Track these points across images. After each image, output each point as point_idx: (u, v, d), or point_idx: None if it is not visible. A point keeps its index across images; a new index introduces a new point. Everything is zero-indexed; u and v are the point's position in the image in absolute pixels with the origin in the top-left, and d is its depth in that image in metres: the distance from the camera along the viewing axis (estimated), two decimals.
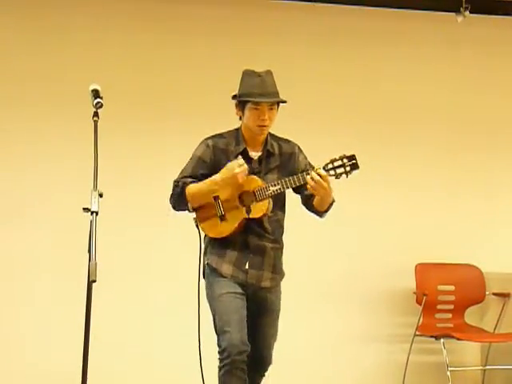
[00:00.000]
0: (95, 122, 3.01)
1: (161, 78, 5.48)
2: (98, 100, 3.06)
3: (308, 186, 3.49)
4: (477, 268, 5.71)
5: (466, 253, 5.70)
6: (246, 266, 3.68)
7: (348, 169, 3.47)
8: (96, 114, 3.03)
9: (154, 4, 5.53)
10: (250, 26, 5.64)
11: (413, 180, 5.76)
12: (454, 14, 5.59)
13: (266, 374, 3.87)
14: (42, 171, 5.31)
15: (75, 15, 5.44)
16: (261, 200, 3.59)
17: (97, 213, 2.80)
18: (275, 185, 3.56)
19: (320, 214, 3.74)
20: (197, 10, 5.57)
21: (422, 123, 5.82)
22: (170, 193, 3.73)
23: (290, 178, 3.55)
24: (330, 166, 3.49)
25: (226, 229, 3.65)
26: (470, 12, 5.53)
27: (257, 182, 3.61)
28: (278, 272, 3.79)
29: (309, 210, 3.76)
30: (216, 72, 5.43)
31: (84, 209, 2.82)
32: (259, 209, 3.60)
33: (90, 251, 2.73)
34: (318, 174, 3.45)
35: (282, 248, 3.81)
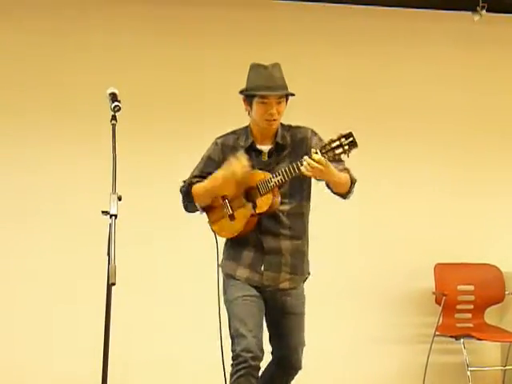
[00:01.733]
0: (113, 126, 3.02)
1: (176, 80, 5.49)
2: (116, 103, 3.07)
3: (305, 172, 3.32)
4: (496, 268, 5.69)
5: (485, 252, 5.69)
6: (262, 268, 3.57)
7: (346, 148, 3.30)
8: (114, 118, 3.04)
9: (167, 6, 5.54)
10: (260, 28, 5.63)
11: (433, 180, 5.74)
12: (470, 12, 5.58)
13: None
14: (60, 174, 5.33)
15: (88, 18, 5.46)
16: (265, 193, 3.48)
17: (116, 216, 2.79)
18: (277, 175, 3.44)
19: (343, 195, 3.57)
20: (209, 11, 5.58)
21: (439, 123, 5.81)
22: (180, 192, 3.71)
23: (290, 166, 3.41)
24: (328, 147, 3.33)
25: (236, 228, 3.57)
26: (487, 11, 5.51)
27: (259, 175, 3.51)
28: (298, 272, 3.63)
29: (332, 193, 3.58)
30: (230, 73, 5.42)
31: (103, 212, 2.81)
32: (264, 202, 3.50)
33: (109, 254, 2.72)
34: (313, 160, 3.29)
35: (304, 244, 3.66)
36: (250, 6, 5.61)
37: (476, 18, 5.54)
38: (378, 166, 5.55)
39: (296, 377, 3.80)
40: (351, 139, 3.30)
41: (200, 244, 5.23)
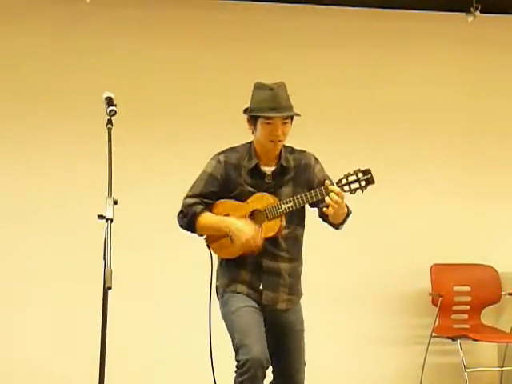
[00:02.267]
0: (109, 130, 3.01)
1: (174, 83, 5.49)
2: (112, 108, 3.06)
3: (325, 209, 3.35)
4: (492, 268, 5.69)
5: (481, 253, 5.69)
6: (261, 287, 3.52)
7: (363, 183, 3.34)
8: (110, 122, 3.03)
9: (165, 10, 5.55)
10: (259, 31, 5.64)
11: (429, 181, 5.75)
12: (464, 13, 5.58)
13: None
14: (56, 178, 5.32)
15: (86, 22, 5.46)
16: (272, 219, 3.44)
17: (111, 220, 2.78)
18: (287, 202, 3.42)
19: (336, 226, 3.59)
20: (206, 15, 5.58)
21: (434, 124, 5.82)
22: (179, 213, 3.59)
23: (303, 195, 3.41)
24: (345, 181, 3.36)
25: (236, 249, 3.49)
26: (481, 12, 5.52)
27: (268, 199, 3.47)
28: (295, 293, 3.61)
29: (325, 222, 3.59)
30: (230, 77, 5.44)
31: (99, 216, 2.81)
32: (270, 228, 3.45)
33: (105, 258, 2.72)
34: (334, 192, 3.30)
35: (299, 265, 3.64)
36: (249, 9, 5.61)
37: (470, 18, 5.55)
38: (375, 168, 5.52)
39: None
40: (369, 176, 3.36)
41: (197, 248, 5.25)
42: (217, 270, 3.65)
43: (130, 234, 4.96)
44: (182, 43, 5.54)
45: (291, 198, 3.43)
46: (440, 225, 5.72)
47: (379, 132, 5.68)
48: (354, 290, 5.56)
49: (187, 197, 3.59)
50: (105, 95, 3.14)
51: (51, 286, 5.24)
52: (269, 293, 3.53)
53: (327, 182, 3.37)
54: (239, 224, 3.46)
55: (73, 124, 5.35)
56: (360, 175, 3.35)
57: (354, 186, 3.34)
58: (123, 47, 5.48)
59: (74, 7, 5.41)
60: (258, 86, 3.52)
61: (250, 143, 3.61)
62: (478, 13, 5.52)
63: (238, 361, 3.37)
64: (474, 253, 5.70)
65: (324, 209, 3.37)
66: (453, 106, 5.87)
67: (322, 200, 3.39)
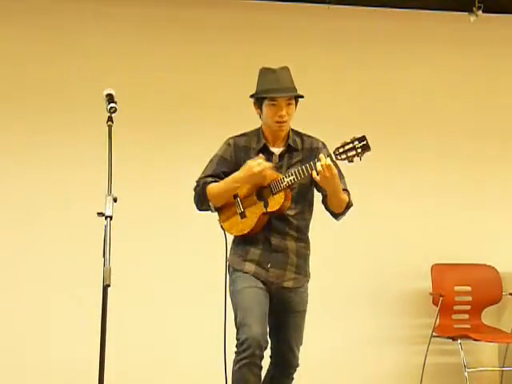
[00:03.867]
0: (109, 127, 3.02)
1: (176, 82, 5.48)
2: (112, 105, 3.06)
3: (313, 174, 3.43)
4: (493, 268, 5.69)
5: (482, 253, 5.69)
6: (268, 265, 3.63)
7: (359, 151, 3.40)
8: (110, 119, 3.03)
9: (168, 8, 5.55)
10: (261, 29, 5.63)
11: (429, 182, 5.74)
12: (466, 13, 5.57)
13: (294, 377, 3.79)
14: (56, 176, 5.32)
15: (86, 20, 5.46)
16: (277, 192, 3.55)
17: (111, 217, 2.78)
18: (289, 175, 3.52)
19: (335, 215, 3.69)
20: (210, 13, 5.58)
21: (437, 125, 5.81)
22: (194, 191, 3.73)
23: (303, 166, 3.50)
24: (341, 149, 3.43)
25: (246, 225, 3.63)
26: (483, 11, 5.51)
27: (272, 175, 3.57)
28: (302, 273, 3.72)
29: (326, 209, 3.70)
30: (232, 76, 5.44)
31: (98, 213, 2.81)
32: (276, 201, 3.56)
33: (104, 256, 2.72)
34: (324, 163, 3.41)
35: (307, 248, 3.76)
36: (252, 8, 5.60)
37: (472, 18, 5.54)
38: (376, 168, 5.54)
39: (295, 378, 3.80)
40: (364, 142, 3.40)
41: (198, 245, 5.26)
42: (231, 248, 3.76)
43: (130, 231, 4.96)
44: (184, 42, 5.54)
45: (292, 171, 3.52)
46: (441, 225, 5.71)
47: (381, 133, 5.65)
48: (354, 289, 5.55)
49: (199, 178, 3.73)
50: (105, 92, 3.14)
51: (50, 283, 5.24)
52: (275, 270, 3.63)
53: (321, 154, 3.46)
54: (242, 169, 3.57)
55: (73, 122, 5.34)
56: (356, 142, 3.42)
57: (350, 153, 3.42)
58: (124, 46, 5.48)
59: (74, 6, 5.41)
60: (263, 70, 3.68)
61: (259, 127, 3.75)
62: (480, 12, 5.51)
63: (237, 339, 3.49)
64: (475, 253, 5.69)
65: (314, 174, 3.44)
66: (455, 107, 5.85)
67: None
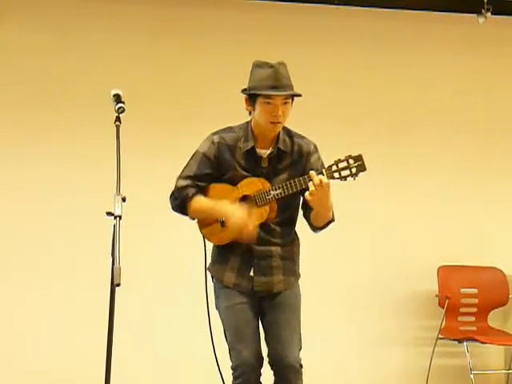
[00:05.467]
0: (117, 127, 3.00)
1: (180, 80, 5.49)
2: (121, 105, 3.05)
3: (306, 195, 3.17)
4: (500, 271, 5.68)
5: (488, 255, 5.68)
6: (251, 273, 3.41)
7: (354, 170, 3.14)
8: (118, 119, 3.02)
9: (172, 7, 5.55)
10: (262, 29, 5.63)
11: (435, 183, 5.73)
12: (475, 15, 5.56)
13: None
14: (64, 175, 5.33)
15: (93, 17, 5.46)
16: (261, 205, 3.33)
17: (120, 217, 2.76)
18: (277, 189, 3.29)
19: (314, 229, 3.44)
20: (214, 13, 5.58)
21: (442, 126, 5.80)
22: (171, 195, 3.49)
23: (291, 181, 3.27)
24: (335, 167, 3.17)
25: (226, 235, 3.38)
26: (492, 13, 5.50)
27: (258, 185, 3.35)
28: (291, 274, 3.49)
29: (306, 220, 3.45)
30: (237, 75, 5.42)
31: (107, 213, 2.79)
32: (260, 215, 3.33)
33: (113, 255, 2.70)
34: (320, 181, 3.11)
35: (293, 249, 3.51)
36: (259, 8, 5.60)
37: (481, 20, 5.53)
38: (382, 169, 5.54)
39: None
40: (360, 162, 3.15)
41: (200, 245, 5.23)
42: (211, 254, 3.55)
43: (137, 230, 4.96)
44: (187, 40, 5.54)
45: (281, 185, 3.29)
46: (447, 227, 5.70)
47: (388, 133, 5.67)
48: (360, 291, 5.55)
49: (180, 178, 3.48)
50: (113, 92, 3.13)
51: (57, 283, 5.25)
52: (261, 278, 3.42)
53: (312, 171, 3.17)
54: (231, 209, 3.32)
55: (80, 120, 5.34)
56: (351, 162, 3.16)
57: (344, 173, 3.16)
58: (130, 44, 5.48)
59: (80, 3, 5.41)
60: (258, 64, 3.36)
61: (248, 123, 3.45)
62: (489, 14, 5.49)
63: (231, 361, 3.37)
64: (482, 255, 5.68)
65: (306, 195, 3.18)
66: (462, 108, 5.84)
67: (307, 189, 3.20)
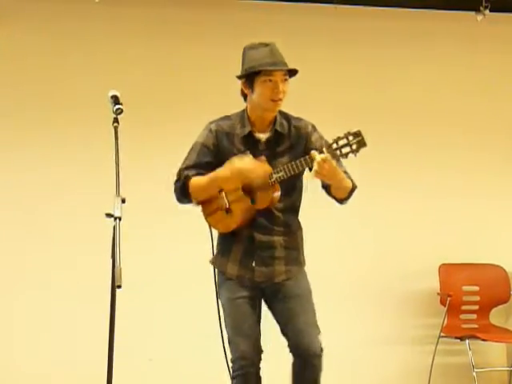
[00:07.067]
0: (115, 129, 3.00)
1: (181, 82, 5.49)
2: (119, 106, 3.04)
3: (311, 174, 3.17)
4: (501, 268, 5.68)
5: (490, 253, 5.68)
6: (253, 264, 3.41)
7: (354, 147, 3.12)
8: (116, 121, 3.02)
9: (173, 9, 5.55)
10: (262, 30, 5.61)
11: (436, 181, 5.73)
12: (473, 12, 5.56)
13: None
14: (63, 177, 5.33)
15: (91, 20, 5.47)
16: (265, 188, 3.32)
17: (120, 218, 2.76)
18: (278, 171, 3.27)
19: (340, 201, 3.41)
20: (215, 14, 5.59)
21: (442, 125, 5.80)
22: (173, 184, 3.49)
23: (293, 163, 3.25)
24: (335, 145, 3.14)
25: (232, 222, 3.39)
26: (490, 10, 5.49)
27: (260, 167, 3.33)
28: (294, 263, 3.47)
29: (328, 195, 3.42)
30: (236, 75, 5.42)
31: (107, 214, 2.79)
32: (264, 198, 3.33)
33: (113, 257, 2.70)
34: (321, 159, 3.10)
35: (298, 237, 3.51)
36: (252, 7, 5.60)
37: (479, 17, 5.53)
38: (383, 166, 5.55)
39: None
40: (360, 138, 3.14)
41: (202, 242, 5.23)
42: (216, 245, 3.55)
43: (137, 231, 4.96)
44: (189, 42, 5.54)
45: (282, 167, 3.28)
46: (449, 224, 5.70)
47: (388, 131, 5.66)
48: (361, 289, 5.55)
49: (180, 170, 3.48)
50: (110, 94, 3.12)
51: (58, 284, 5.26)
52: (262, 268, 3.42)
53: (313, 151, 3.15)
54: (230, 162, 3.32)
55: (79, 122, 5.35)
56: (350, 138, 3.14)
57: (345, 150, 3.14)
58: (130, 46, 5.49)
59: (81, 6, 5.42)
60: (251, 46, 3.40)
61: (244, 110, 3.46)
62: (487, 11, 5.49)
63: (231, 354, 3.40)
64: (483, 252, 5.68)
65: (311, 173, 3.18)
66: (462, 106, 5.84)
67: (311, 169, 3.21)
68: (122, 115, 3.04)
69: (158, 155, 5.38)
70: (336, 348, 5.38)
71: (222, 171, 3.36)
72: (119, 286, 2.62)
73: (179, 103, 5.47)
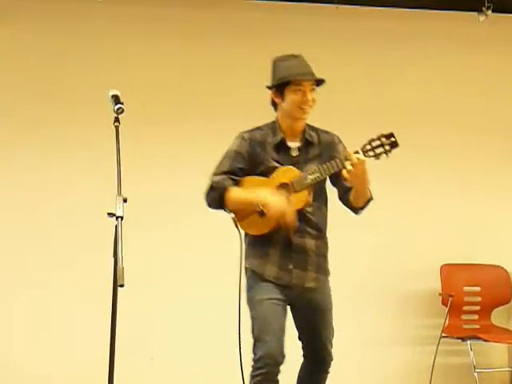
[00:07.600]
0: (116, 128, 3.00)
1: (182, 81, 5.49)
2: (119, 106, 3.03)
3: (344, 173, 3.31)
4: (503, 269, 5.67)
5: (491, 253, 5.67)
6: (291, 266, 3.52)
7: (387, 148, 3.34)
8: (117, 120, 3.02)
9: (174, 8, 5.55)
10: (264, 29, 5.63)
11: (439, 182, 5.73)
12: (475, 13, 5.55)
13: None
14: (64, 177, 5.33)
15: (92, 18, 5.47)
16: (299, 190, 3.44)
17: (122, 218, 2.77)
18: (313, 173, 3.43)
19: (356, 210, 3.57)
20: (217, 13, 5.58)
21: (443, 125, 5.79)
22: (207, 190, 3.57)
23: (328, 163, 3.41)
24: (369, 146, 3.35)
25: (266, 225, 3.47)
26: (493, 11, 5.49)
27: (293, 171, 3.48)
28: (322, 272, 3.62)
29: (345, 204, 3.58)
30: (240, 75, 5.43)
31: (109, 214, 2.79)
32: (299, 200, 3.45)
33: (115, 256, 2.70)
34: (357, 159, 3.29)
35: (325, 245, 3.66)
36: (260, 8, 5.60)
37: (481, 18, 5.52)
38: (384, 168, 5.51)
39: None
40: (393, 139, 3.34)
41: (203, 242, 5.23)
42: (246, 251, 3.61)
43: (137, 231, 4.96)
44: (190, 41, 5.54)
45: (316, 168, 3.44)
46: (450, 225, 5.69)
47: (390, 131, 5.65)
48: (363, 289, 5.54)
49: (214, 175, 3.58)
50: (111, 93, 3.11)
51: (59, 284, 5.25)
52: (298, 271, 3.53)
53: (348, 150, 3.35)
54: (269, 194, 3.44)
55: (80, 121, 5.34)
56: (383, 139, 3.36)
57: (378, 150, 3.34)
58: (131, 45, 5.48)
59: (84, 5, 5.41)
60: (282, 58, 3.57)
61: (274, 121, 3.62)
62: (489, 12, 5.48)
63: (254, 353, 3.43)
64: (485, 253, 5.68)
65: (344, 172, 3.32)
66: (463, 107, 5.84)
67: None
68: (122, 114, 3.04)
69: (157, 155, 5.38)
70: (337, 348, 5.36)
71: (262, 192, 3.45)
72: (122, 285, 2.63)
73: (181, 102, 5.47)
